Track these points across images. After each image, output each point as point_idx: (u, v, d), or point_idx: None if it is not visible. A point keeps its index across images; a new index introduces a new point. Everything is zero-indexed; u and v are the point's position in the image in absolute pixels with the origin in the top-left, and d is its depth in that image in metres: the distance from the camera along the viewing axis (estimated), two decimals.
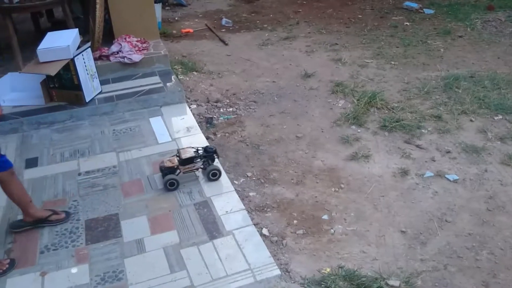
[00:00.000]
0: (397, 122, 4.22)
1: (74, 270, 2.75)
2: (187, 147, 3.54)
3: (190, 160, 3.42)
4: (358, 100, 4.63)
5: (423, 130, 4.14)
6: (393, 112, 4.44)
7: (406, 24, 6.88)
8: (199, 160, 3.45)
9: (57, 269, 2.76)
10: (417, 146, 3.93)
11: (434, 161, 3.74)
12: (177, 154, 3.47)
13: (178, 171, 3.38)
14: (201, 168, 3.47)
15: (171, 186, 3.33)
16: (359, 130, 4.21)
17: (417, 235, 3.04)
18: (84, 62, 4.22)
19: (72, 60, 4.07)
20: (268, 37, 6.71)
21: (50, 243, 2.95)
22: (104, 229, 3.05)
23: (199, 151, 3.50)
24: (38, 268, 2.77)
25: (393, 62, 5.61)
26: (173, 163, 3.39)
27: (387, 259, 2.87)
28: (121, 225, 3.07)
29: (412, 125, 4.18)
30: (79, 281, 2.68)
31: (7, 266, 2.76)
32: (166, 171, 3.38)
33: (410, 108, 4.49)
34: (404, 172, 3.60)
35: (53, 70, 3.94)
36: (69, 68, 4.10)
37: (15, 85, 4.46)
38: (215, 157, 3.50)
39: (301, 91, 5.03)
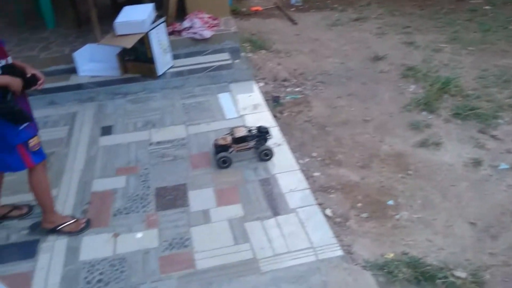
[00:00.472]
0: (471, 110, 4.05)
1: (139, 235, 2.88)
2: (241, 126, 3.56)
3: (243, 139, 3.43)
4: (430, 85, 4.48)
5: (499, 120, 3.95)
6: (467, 99, 4.26)
7: (486, 8, 6.53)
8: (252, 139, 3.45)
9: (128, 232, 2.91)
10: (492, 136, 3.76)
11: (510, 153, 3.57)
12: (231, 133, 3.49)
13: (231, 149, 3.41)
14: (254, 147, 3.47)
15: (223, 163, 3.37)
16: (430, 117, 4.08)
17: (487, 228, 2.94)
18: (158, 37, 4.34)
19: (147, 34, 4.19)
20: (338, 18, 6.59)
21: (122, 206, 3.10)
22: (173, 197, 3.16)
23: (253, 131, 3.50)
24: (111, 230, 2.93)
25: (469, 48, 5.35)
26: (226, 141, 3.42)
27: (454, 249, 2.80)
28: (189, 195, 3.17)
29: (488, 114, 3.99)
30: (149, 244, 2.81)
31: (83, 225, 2.93)
32: (219, 148, 3.41)
33: (487, 97, 4.29)
34: (477, 163, 3.47)
35: (128, 43, 4.08)
36: (144, 41, 4.23)
37: (93, 56, 4.66)
38: (268, 137, 3.50)
39: (371, 74, 4.93)
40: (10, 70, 2.54)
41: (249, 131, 3.50)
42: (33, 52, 4.83)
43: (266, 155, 3.44)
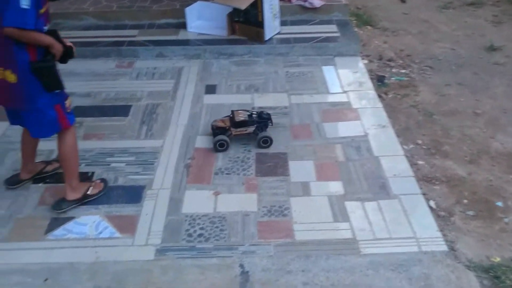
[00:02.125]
0: None
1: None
2: (241, 110, 3.40)
3: (243, 124, 3.30)
4: None
5: None
6: None
7: None
8: (251, 125, 3.31)
9: (229, 192, 2.95)
10: None
11: None
12: (231, 116, 3.36)
13: (229, 132, 3.29)
14: (252, 133, 3.33)
15: (220, 146, 3.25)
16: None
17: None
18: (270, 1, 4.28)
19: None
20: (451, 0, 6.20)
21: (224, 167, 3.15)
22: (273, 165, 3.16)
23: (253, 116, 3.36)
24: (212, 188, 2.99)
25: None
26: (225, 124, 3.31)
27: None
28: (289, 164, 3.16)
29: None
30: (248, 207, 2.84)
31: (102, 183, 2.98)
32: (217, 131, 3.30)
33: None
34: None
35: (243, 4, 4.07)
36: (257, 4, 4.19)
37: (202, 14, 4.70)
38: (269, 124, 3.36)
39: (484, 64, 4.62)
40: (53, 35, 2.54)
41: (250, 115, 3.36)
42: (145, 3, 4.95)
43: (264, 142, 3.29)
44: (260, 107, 3.73)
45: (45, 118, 2.61)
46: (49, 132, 2.70)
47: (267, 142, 3.29)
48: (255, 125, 3.32)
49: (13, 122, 2.78)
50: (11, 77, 2.45)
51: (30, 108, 2.57)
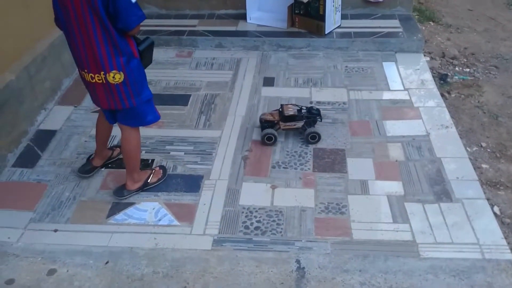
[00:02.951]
0: None
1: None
2: (291, 104, 3.36)
3: (292, 118, 3.24)
4: None
5: None
6: None
7: None
8: (300, 119, 3.25)
9: (286, 186, 2.94)
10: None
11: None
12: (280, 109, 3.31)
13: (278, 126, 3.25)
14: (301, 128, 3.27)
15: (268, 140, 3.21)
16: None
17: None
18: None
19: None
20: None
21: (281, 160, 3.14)
22: (331, 161, 3.12)
23: (303, 111, 3.29)
24: (269, 181, 2.99)
25: None
26: (274, 118, 3.26)
27: None
28: (347, 161, 3.11)
29: None
30: (305, 203, 2.82)
31: (161, 170, 3.02)
32: (265, 124, 3.26)
33: None
34: None
35: None
36: None
37: (262, 5, 4.68)
38: (318, 119, 3.29)
39: None
40: None
41: (299, 110, 3.29)
42: None
43: (313, 138, 3.23)
44: (318, 102, 3.69)
45: (149, 108, 2.71)
46: (145, 122, 2.75)
47: (315, 138, 3.26)
48: (304, 120, 3.29)
49: (111, 120, 2.80)
50: (117, 77, 2.47)
51: (135, 102, 2.60)
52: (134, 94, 2.57)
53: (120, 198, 2.86)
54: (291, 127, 3.30)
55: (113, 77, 2.47)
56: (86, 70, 2.50)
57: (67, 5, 2.33)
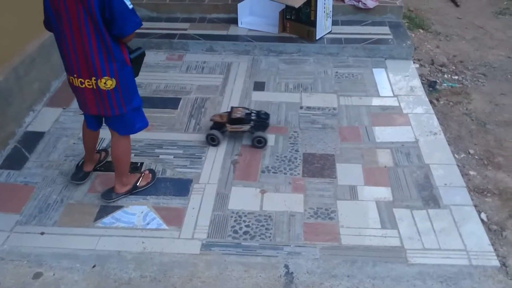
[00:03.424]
0: None
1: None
2: (241, 107, 3.40)
3: (239, 121, 3.27)
4: None
5: None
6: None
7: None
8: (248, 123, 3.28)
9: (275, 191, 2.94)
10: None
11: None
12: (229, 111, 3.35)
13: (225, 128, 3.28)
14: (248, 131, 3.30)
15: (212, 141, 3.27)
16: None
17: None
18: (324, 0, 4.23)
19: None
20: (507, 6, 5.99)
21: (271, 165, 3.14)
22: (320, 166, 3.13)
23: (252, 115, 3.33)
24: (259, 185, 2.98)
25: None
26: (222, 119, 3.30)
27: None
28: (337, 167, 3.12)
29: None
30: (294, 208, 2.82)
31: (151, 174, 3.01)
32: (214, 125, 3.31)
33: None
34: None
35: (297, 2, 4.03)
36: (310, 3, 4.16)
37: (253, 10, 4.70)
38: (268, 123, 3.37)
39: None
40: None
41: (248, 114, 3.32)
42: None
43: (259, 142, 3.24)
44: (308, 107, 3.70)
45: (138, 116, 2.69)
46: (135, 130, 2.72)
47: (261, 142, 3.25)
48: (251, 124, 3.29)
49: (94, 127, 2.78)
50: (108, 83, 2.44)
51: (126, 109, 2.58)
52: (125, 101, 2.55)
53: (108, 201, 2.84)
54: (238, 129, 3.30)
55: (105, 83, 2.44)
56: (75, 75, 2.47)
57: (60, 8, 2.30)
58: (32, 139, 3.36)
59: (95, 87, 2.45)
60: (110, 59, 2.40)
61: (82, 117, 3.47)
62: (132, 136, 2.81)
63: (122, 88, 2.50)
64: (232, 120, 3.28)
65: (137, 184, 2.91)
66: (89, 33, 2.31)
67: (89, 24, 2.29)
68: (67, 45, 2.40)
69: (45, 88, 3.78)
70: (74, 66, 2.44)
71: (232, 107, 3.40)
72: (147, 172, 3.02)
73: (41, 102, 3.71)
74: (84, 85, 2.47)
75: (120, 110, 2.56)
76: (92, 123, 2.76)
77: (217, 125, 3.31)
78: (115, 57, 2.41)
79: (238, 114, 3.31)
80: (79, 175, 2.98)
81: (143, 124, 2.74)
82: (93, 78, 2.43)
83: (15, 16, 3.41)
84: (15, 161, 3.17)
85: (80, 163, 3.05)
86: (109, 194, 2.86)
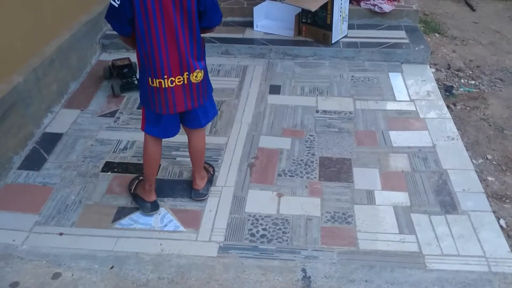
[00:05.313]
0: None
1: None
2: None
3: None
4: None
5: None
6: None
7: None
8: None
9: (292, 195, 2.94)
10: None
11: None
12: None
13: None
14: None
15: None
16: None
17: None
18: (341, 4, 4.23)
19: None
20: None
21: (287, 169, 3.13)
22: (337, 170, 3.12)
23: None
24: (275, 189, 2.98)
25: None
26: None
27: None
28: (353, 171, 3.11)
29: None
30: (311, 212, 2.81)
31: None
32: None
33: None
34: None
35: (314, 6, 4.04)
36: (327, 7, 4.15)
37: (269, 13, 4.70)
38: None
39: None
40: None
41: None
42: None
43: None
44: (324, 111, 3.69)
45: (212, 103, 2.76)
46: (210, 118, 2.80)
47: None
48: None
49: (173, 131, 2.72)
50: (199, 75, 2.47)
51: (207, 97, 2.66)
52: (208, 89, 2.64)
53: (204, 198, 2.90)
54: None
55: (196, 76, 2.47)
56: (166, 76, 2.40)
57: (155, 7, 2.23)
58: (51, 140, 3.39)
59: (186, 82, 2.45)
60: (199, 52, 2.43)
61: (100, 119, 3.57)
62: None
63: (206, 77, 2.56)
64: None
65: (212, 173, 3.04)
66: (183, 28, 2.31)
67: (184, 19, 2.29)
68: (159, 45, 2.33)
69: (63, 89, 3.81)
70: (165, 67, 2.38)
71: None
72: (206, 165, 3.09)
73: (59, 104, 3.74)
74: (174, 84, 2.43)
75: (205, 99, 2.61)
76: (171, 128, 2.68)
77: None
78: (202, 49, 2.46)
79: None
80: (155, 208, 2.83)
81: (215, 111, 2.81)
82: (185, 73, 2.42)
83: (34, 18, 3.45)
84: (34, 162, 3.20)
85: (138, 191, 2.89)
86: (197, 192, 2.90)
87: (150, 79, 2.43)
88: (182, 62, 2.38)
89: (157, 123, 2.62)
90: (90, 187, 2.99)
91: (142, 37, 2.32)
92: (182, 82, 2.44)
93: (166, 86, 2.43)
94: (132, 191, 2.91)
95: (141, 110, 2.69)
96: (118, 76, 3.91)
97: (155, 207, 2.82)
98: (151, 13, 2.24)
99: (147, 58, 2.37)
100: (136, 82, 3.87)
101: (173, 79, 2.42)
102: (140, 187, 2.89)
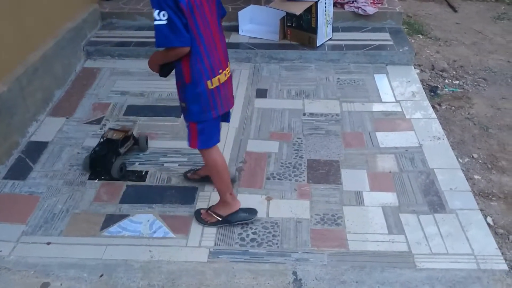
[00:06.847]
0: None
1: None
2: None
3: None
4: None
5: None
6: None
7: None
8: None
9: (281, 198, 2.94)
10: None
11: None
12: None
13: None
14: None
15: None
16: None
17: None
18: (325, 7, 4.26)
19: (316, 3, 4.12)
20: (505, 11, 6.06)
21: (275, 172, 3.14)
22: (325, 172, 3.13)
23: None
24: (264, 192, 2.98)
25: None
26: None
27: None
28: (341, 173, 3.12)
29: None
30: (301, 214, 2.81)
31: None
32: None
33: None
34: None
35: (298, 10, 4.05)
36: (311, 10, 4.18)
37: (254, 18, 4.72)
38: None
39: None
40: None
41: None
42: None
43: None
44: (311, 113, 3.71)
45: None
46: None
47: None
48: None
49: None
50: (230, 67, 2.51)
51: None
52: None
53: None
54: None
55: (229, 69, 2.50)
56: (221, 71, 2.39)
57: (203, 5, 2.21)
58: (36, 149, 3.35)
59: (231, 73, 2.50)
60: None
61: (86, 127, 3.54)
62: None
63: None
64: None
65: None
66: (219, 22, 2.35)
67: (214, 7, 2.30)
68: (213, 38, 2.30)
69: (48, 97, 3.78)
70: (221, 59, 2.38)
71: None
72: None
73: (44, 112, 3.70)
74: (227, 76, 2.45)
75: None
76: (219, 130, 2.61)
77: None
78: None
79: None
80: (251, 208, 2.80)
81: None
82: (228, 63, 2.47)
83: (17, 26, 3.42)
84: (20, 171, 3.16)
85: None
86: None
87: (209, 82, 2.34)
88: (226, 54, 2.44)
89: (215, 128, 2.55)
90: (77, 196, 2.97)
91: (199, 35, 2.22)
92: (229, 74, 2.47)
93: (223, 81, 2.42)
94: (222, 219, 2.71)
95: (190, 127, 2.55)
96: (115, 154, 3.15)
97: (251, 208, 2.79)
98: (198, 7, 2.18)
99: (207, 55, 2.28)
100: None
101: (226, 72, 2.44)
102: (221, 208, 2.72)
